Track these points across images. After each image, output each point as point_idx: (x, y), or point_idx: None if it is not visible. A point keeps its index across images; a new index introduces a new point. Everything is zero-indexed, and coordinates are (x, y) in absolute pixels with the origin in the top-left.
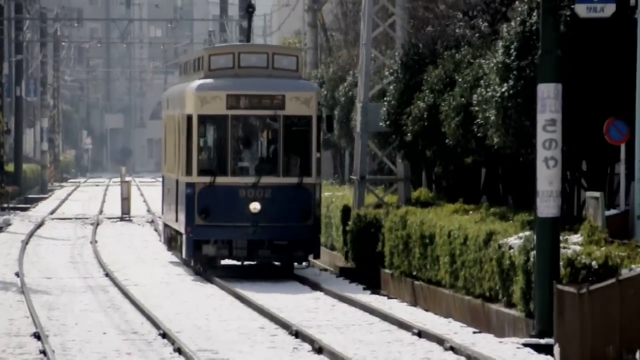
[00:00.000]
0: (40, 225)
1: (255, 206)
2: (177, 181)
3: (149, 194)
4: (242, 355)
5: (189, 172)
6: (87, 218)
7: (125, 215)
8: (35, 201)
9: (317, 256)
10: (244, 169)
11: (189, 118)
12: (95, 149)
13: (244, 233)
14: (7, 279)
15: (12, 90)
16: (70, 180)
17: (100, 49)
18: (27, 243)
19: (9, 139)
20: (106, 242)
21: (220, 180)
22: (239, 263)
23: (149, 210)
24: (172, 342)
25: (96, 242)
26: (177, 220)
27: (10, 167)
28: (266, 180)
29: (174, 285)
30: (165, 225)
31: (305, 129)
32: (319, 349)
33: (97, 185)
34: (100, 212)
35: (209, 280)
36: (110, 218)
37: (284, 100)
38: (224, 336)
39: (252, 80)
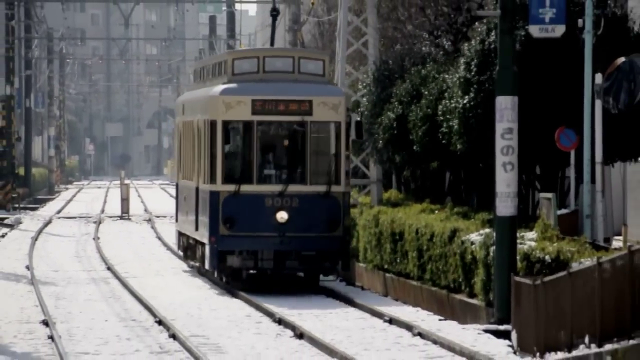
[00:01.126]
0: (48, 223)
1: (282, 215)
2: (197, 189)
3: (146, 195)
4: (230, 340)
5: (213, 180)
6: (90, 217)
7: (125, 214)
8: (44, 202)
9: (346, 268)
10: (270, 177)
11: (213, 124)
12: (97, 154)
13: (271, 243)
14: (18, 272)
15: (22, 103)
16: (74, 183)
17: (102, 65)
18: (36, 239)
19: (19, 146)
20: (107, 238)
21: (246, 188)
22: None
23: (146, 210)
24: (167, 328)
25: (98, 238)
26: (197, 230)
27: (21, 171)
28: (293, 188)
29: (168, 278)
30: (181, 234)
31: (333, 135)
32: (300, 335)
33: (99, 188)
34: (102, 211)
35: (200, 273)
36: (111, 217)
37: (312, 105)
38: (214, 323)
39: (278, 85)
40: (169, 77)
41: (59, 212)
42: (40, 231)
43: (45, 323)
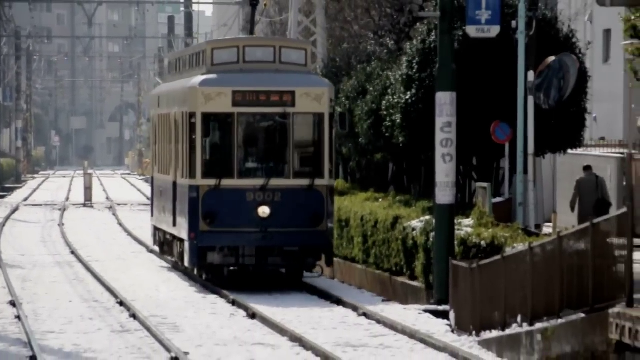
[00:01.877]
0: (15, 210)
1: (264, 210)
2: (174, 183)
3: (108, 184)
4: (187, 320)
5: (192, 174)
6: (55, 204)
7: (88, 202)
8: (11, 190)
9: (330, 263)
10: (251, 171)
11: (192, 116)
12: (62, 146)
13: (252, 239)
14: None
15: None
16: (40, 173)
17: (67, 62)
18: (4, 225)
19: None
20: (71, 224)
21: (226, 182)
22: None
23: (108, 198)
24: (128, 309)
25: (63, 224)
26: (174, 225)
27: None
28: (275, 182)
29: (129, 261)
30: (157, 229)
31: (317, 127)
32: (252, 315)
33: (63, 177)
34: (67, 199)
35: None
36: (75, 204)
37: (294, 96)
38: (172, 304)
39: (260, 76)
40: (130, 74)
41: (25, 200)
42: (7, 218)
43: (13, 304)
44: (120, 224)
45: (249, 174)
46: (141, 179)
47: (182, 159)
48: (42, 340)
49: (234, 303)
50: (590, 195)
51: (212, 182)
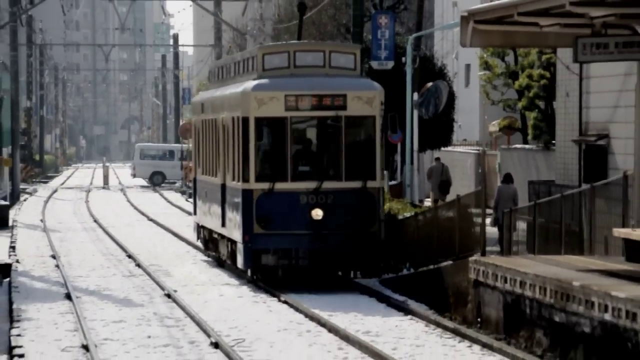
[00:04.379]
0: (54, 191)
1: (317, 213)
2: (223, 186)
3: (120, 173)
4: (176, 266)
5: (245, 178)
6: (82, 187)
7: (105, 185)
8: (52, 177)
9: (381, 265)
10: (304, 174)
11: (245, 120)
12: (87, 146)
13: (306, 241)
14: (35, 223)
15: (37, 112)
16: (72, 166)
17: (90, 87)
18: (47, 202)
19: (36, 141)
20: (94, 201)
21: (280, 186)
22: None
23: (119, 183)
24: (134, 260)
25: (88, 201)
26: (223, 226)
27: (36, 157)
28: (328, 185)
29: (136, 227)
30: (202, 227)
31: (368, 130)
32: (221, 263)
33: (88, 168)
34: (90, 183)
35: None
36: (96, 187)
37: (346, 100)
38: (165, 256)
39: (311, 80)
40: (135, 96)
41: (62, 184)
42: (49, 197)
43: (53, 257)
44: (129, 201)
45: (302, 177)
46: None
47: (234, 163)
48: (74, 282)
49: (209, 256)
50: (437, 177)
51: (265, 185)
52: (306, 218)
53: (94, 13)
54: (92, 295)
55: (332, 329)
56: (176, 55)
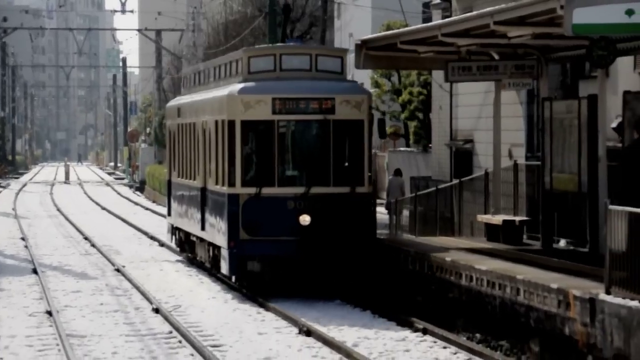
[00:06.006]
0: (24, 185)
1: (304, 219)
2: (203, 189)
3: (78, 171)
4: (123, 246)
5: (231, 182)
6: (48, 182)
7: (67, 180)
8: (22, 174)
9: (370, 270)
10: (291, 179)
11: (231, 124)
12: (51, 149)
13: (293, 248)
14: (7, 211)
15: (10, 121)
16: (39, 164)
17: (54, 100)
18: (18, 194)
19: (9, 145)
20: (57, 194)
21: (267, 191)
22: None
23: (78, 178)
24: (90, 241)
25: (52, 194)
26: (203, 229)
27: (10, 158)
28: (316, 190)
29: (92, 214)
30: (176, 228)
31: (357, 134)
32: (162, 244)
33: (52, 167)
34: (54, 179)
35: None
36: (59, 182)
37: (334, 103)
38: (115, 238)
39: (299, 83)
40: (91, 107)
41: (31, 179)
42: (20, 190)
43: (22, 239)
44: (86, 193)
45: (289, 182)
46: (96, 168)
47: (217, 167)
48: (39, 259)
49: (152, 238)
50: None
51: (252, 190)
52: (293, 224)
53: (57, 40)
54: (55, 270)
55: (251, 298)
56: (124, 75)
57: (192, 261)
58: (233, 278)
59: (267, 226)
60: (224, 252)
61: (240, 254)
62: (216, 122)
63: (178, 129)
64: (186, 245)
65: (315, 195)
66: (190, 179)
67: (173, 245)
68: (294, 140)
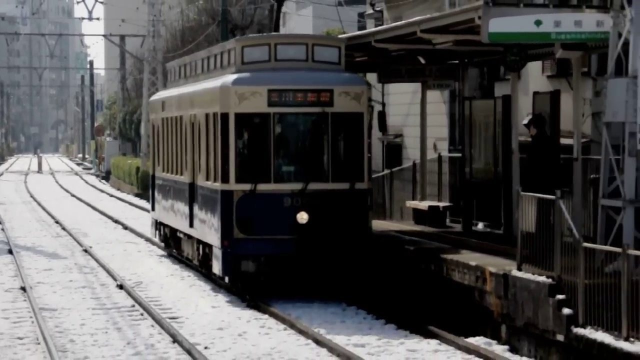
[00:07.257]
0: (1, 174)
1: (302, 216)
2: (192, 185)
3: (50, 161)
4: (91, 229)
5: (224, 178)
6: (22, 171)
7: (40, 170)
8: None
9: (368, 269)
10: (288, 174)
11: (224, 117)
12: (26, 142)
13: (290, 246)
14: None
15: None
16: (15, 156)
17: (28, 98)
18: None
19: None
20: (31, 182)
21: (262, 187)
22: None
23: (50, 168)
24: (61, 225)
25: (26, 182)
26: (192, 226)
27: None
28: (314, 186)
29: (62, 201)
30: (160, 224)
31: (355, 128)
32: (125, 227)
33: (26, 158)
34: (28, 169)
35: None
36: (32, 172)
37: (332, 95)
38: (83, 222)
39: (296, 74)
40: (61, 105)
41: (7, 169)
42: None
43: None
44: (57, 182)
45: (286, 178)
46: (66, 159)
47: (208, 162)
48: (15, 240)
49: (116, 222)
50: None
51: (247, 186)
52: (290, 222)
53: (30, 44)
54: (29, 250)
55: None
56: (92, 76)
57: (177, 258)
58: (226, 279)
59: (262, 224)
60: (217, 252)
61: (234, 253)
62: (207, 115)
63: (163, 123)
64: (171, 241)
65: (313, 192)
66: (177, 174)
67: (157, 240)
68: (290, 134)
